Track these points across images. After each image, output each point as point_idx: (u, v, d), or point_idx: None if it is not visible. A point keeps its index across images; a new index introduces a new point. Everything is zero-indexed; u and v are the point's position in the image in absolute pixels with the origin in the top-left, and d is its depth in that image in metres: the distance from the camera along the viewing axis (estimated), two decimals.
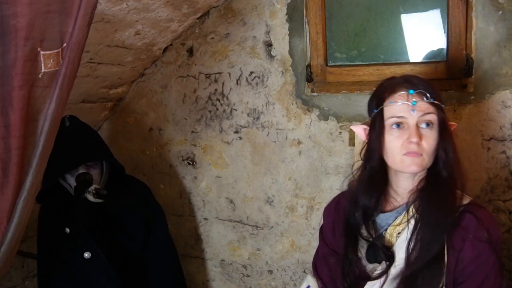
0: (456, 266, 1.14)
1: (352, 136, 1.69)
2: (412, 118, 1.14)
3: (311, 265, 1.49)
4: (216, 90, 2.19)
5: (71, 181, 1.81)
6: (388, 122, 1.17)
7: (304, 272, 2.18)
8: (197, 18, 2.13)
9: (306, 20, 1.95)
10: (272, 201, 2.18)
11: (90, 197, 1.74)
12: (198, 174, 2.32)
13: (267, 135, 2.13)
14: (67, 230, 1.80)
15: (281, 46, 2.02)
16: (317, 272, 1.41)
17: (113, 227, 1.87)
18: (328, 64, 1.97)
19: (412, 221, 1.18)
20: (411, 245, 1.17)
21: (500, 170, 1.74)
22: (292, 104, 2.05)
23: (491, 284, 1.12)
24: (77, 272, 1.81)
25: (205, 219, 2.37)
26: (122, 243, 1.88)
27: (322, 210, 1.48)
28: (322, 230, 1.44)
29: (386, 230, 1.25)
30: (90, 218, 1.80)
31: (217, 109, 2.21)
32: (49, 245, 1.84)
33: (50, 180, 1.76)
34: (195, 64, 2.21)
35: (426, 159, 1.15)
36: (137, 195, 2.00)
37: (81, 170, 1.78)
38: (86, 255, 1.78)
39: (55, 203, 1.84)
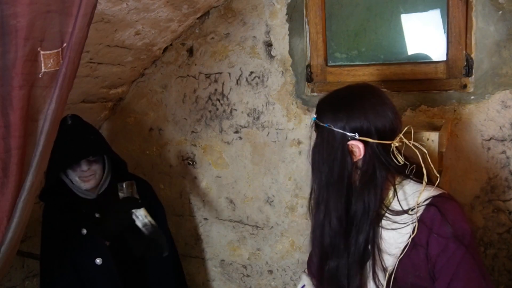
0: (428, 263, 1.14)
1: None
2: None
3: None
4: (216, 90, 2.19)
5: (73, 176, 1.80)
6: None
7: (304, 272, 2.18)
8: (197, 18, 2.13)
9: (306, 20, 1.95)
10: (272, 201, 2.18)
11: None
12: (198, 174, 2.33)
13: (267, 135, 2.13)
14: (84, 231, 1.77)
15: (281, 46, 2.02)
16: (311, 270, 1.42)
17: (122, 229, 1.85)
18: (328, 64, 1.97)
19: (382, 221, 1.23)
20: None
21: (500, 170, 1.74)
22: (292, 104, 2.05)
23: (465, 278, 1.11)
24: (84, 277, 1.78)
25: (205, 219, 2.37)
26: (129, 245, 1.87)
27: None
28: None
29: None
30: (104, 219, 1.78)
31: (217, 109, 2.21)
32: (59, 245, 1.80)
33: (53, 176, 1.76)
34: (195, 64, 2.21)
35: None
36: (141, 194, 1.98)
37: (83, 165, 1.78)
38: (98, 261, 1.76)
39: (60, 202, 1.83)
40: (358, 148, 1.18)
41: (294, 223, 2.15)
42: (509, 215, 1.75)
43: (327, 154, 1.21)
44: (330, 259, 1.24)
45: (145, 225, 1.74)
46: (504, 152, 1.72)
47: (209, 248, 2.40)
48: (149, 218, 1.75)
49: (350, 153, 1.19)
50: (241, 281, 2.36)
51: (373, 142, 1.17)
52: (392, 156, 1.20)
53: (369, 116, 1.17)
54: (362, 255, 1.20)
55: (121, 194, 1.76)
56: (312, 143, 1.27)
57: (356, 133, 1.17)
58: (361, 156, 1.18)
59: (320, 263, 1.27)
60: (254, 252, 2.28)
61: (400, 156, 1.20)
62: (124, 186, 1.76)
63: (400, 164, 1.20)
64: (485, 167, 1.76)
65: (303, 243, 2.15)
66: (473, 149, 1.76)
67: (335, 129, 1.19)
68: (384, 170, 1.19)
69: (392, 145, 1.19)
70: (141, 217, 1.74)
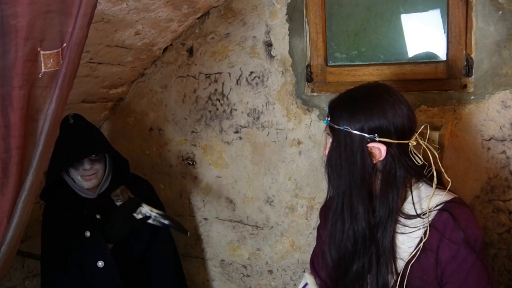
0: (437, 268, 1.14)
1: None
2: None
3: None
4: (216, 90, 2.19)
5: (75, 175, 1.80)
6: None
7: (304, 272, 2.18)
8: (197, 18, 2.13)
9: (306, 20, 1.95)
10: (272, 201, 2.18)
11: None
12: (198, 174, 2.33)
13: (267, 135, 2.13)
14: (87, 233, 1.77)
15: (281, 46, 2.02)
16: (314, 269, 1.41)
17: (125, 233, 1.84)
18: (328, 64, 1.97)
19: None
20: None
21: (500, 170, 1.74)
22: (292, 104, 2.05)
23: (473, 285, 1.11)
24: (86, 279, 1.78)
25: (205, 219, 2.37)
26: (130, 247, 1.86)
27: None
28: (319, 230, 1.45)
29: None
30: (106, 222, 1.77)
31: (217, 109, 2.21)
32: (60, 245, 1.80)
33: (55, 174, 1.76)
34: (195, 64, 2.21)
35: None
36: (142, 194, 1.98)
37: (86, 164, 1.78)
38: (100, 264, 1.76)
39: (61, 201, 1.83)
40: (378, 149, 1.14)
41: (294, 223, 2.15)
42: (509, 215, 1.75)
43: (345, 158, 1.17)
44: (353, 262, 1.21)
45: (155, 218, 1.73)
46: (504, 152, 1.72)
47: (209, 248, 2.40)
48: (155, 210, 1.74)
49: (370, 155, 1.15)
50: (241, 281, 2.36)
51: (392, 143, 1.14)
52: (410, 156, 1.17)
53: (388, 116, 1.13)
54: (389, 253, 1.18)
55: (118, 203, 1.74)
56: (328, 148, 1.23)
57: (376, 134, 1.13)
58: (381, 158, 1.15)
59: (340, 266, 1.24)
60: (254, 252, 2.29)
61: (419, 156, 1.17)
62: (118, 193, 1.74)
63: (418, 165, 1.18)
64: (485, 167, 1.76)
65: (303, 243, 2.16)
66: (473, 149, 1.76)
67: (353, 131, 1.14)
68: (404, 170, 1.17)
69: (409, 144, 1.16)
70: (148, 213, 1.72)
